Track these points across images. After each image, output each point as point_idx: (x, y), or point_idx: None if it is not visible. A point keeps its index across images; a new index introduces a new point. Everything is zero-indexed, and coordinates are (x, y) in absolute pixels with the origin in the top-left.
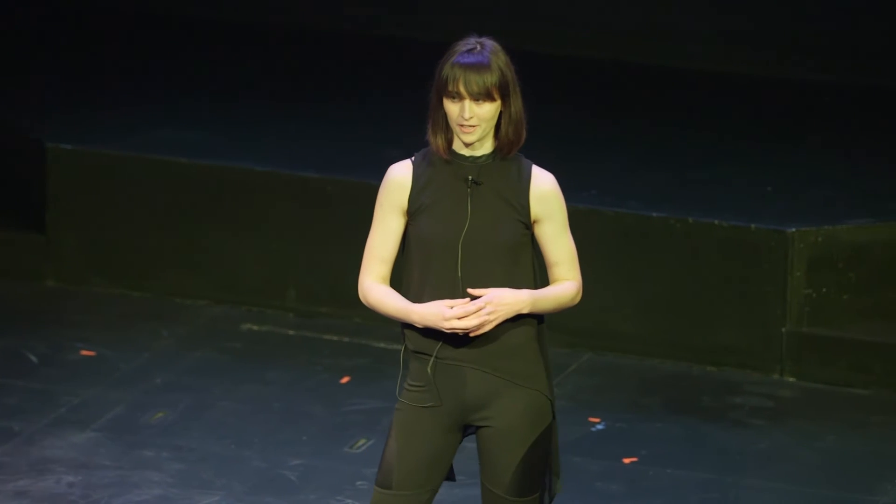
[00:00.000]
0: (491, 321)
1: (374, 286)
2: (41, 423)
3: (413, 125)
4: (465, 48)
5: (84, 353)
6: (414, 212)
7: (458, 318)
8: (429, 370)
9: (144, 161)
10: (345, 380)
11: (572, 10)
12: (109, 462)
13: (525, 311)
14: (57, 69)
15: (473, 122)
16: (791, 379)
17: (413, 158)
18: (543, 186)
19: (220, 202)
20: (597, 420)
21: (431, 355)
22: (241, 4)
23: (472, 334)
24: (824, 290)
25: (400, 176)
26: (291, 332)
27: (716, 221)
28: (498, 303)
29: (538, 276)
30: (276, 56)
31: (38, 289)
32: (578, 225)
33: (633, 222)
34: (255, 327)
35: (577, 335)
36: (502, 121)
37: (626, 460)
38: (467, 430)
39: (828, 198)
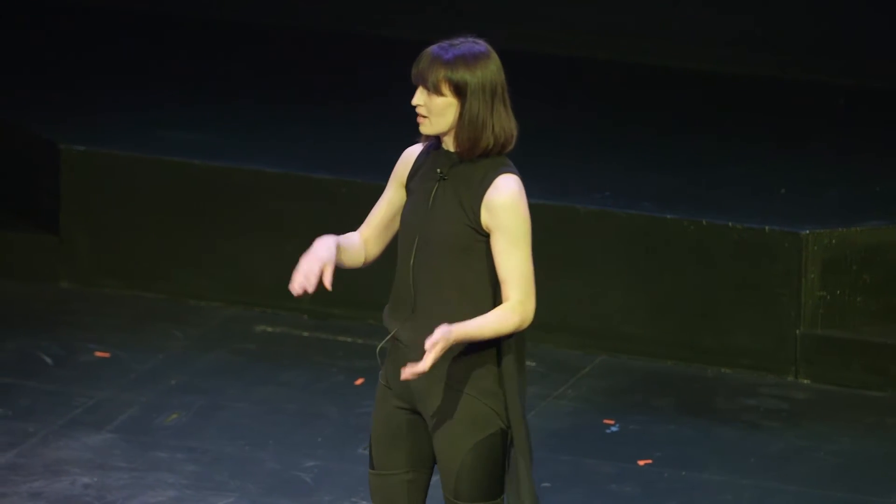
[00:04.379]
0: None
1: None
2: (56, 425)
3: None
4: (449, 41)
5: (98, 354)
6: (406, 192)
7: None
8: (378, 349)
9: (157, 162)
10: (359, 381)
11: (580, 10)
12: (124, 463)
13: (457, 341)
14: (69, 70)
15: (422, 112)
16: (805, 381)
17: (425, 143)
18: (496, 196)
19: (233, 203)
20: (611, 422)
21: (390, 333)
22: (251, 5)
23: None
24: (838, 291)
25: (408, 154)
26: (306, 334)
27: (729, 223)
28: (446, 340)
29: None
30: (288, 57)
31: (52, 290)
32: (591, 227)
33: (647, 224)
34: (270, 329)
35: (591, 337)
36: (457, 121)
37: (641, 462)
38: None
39: (842, 199)
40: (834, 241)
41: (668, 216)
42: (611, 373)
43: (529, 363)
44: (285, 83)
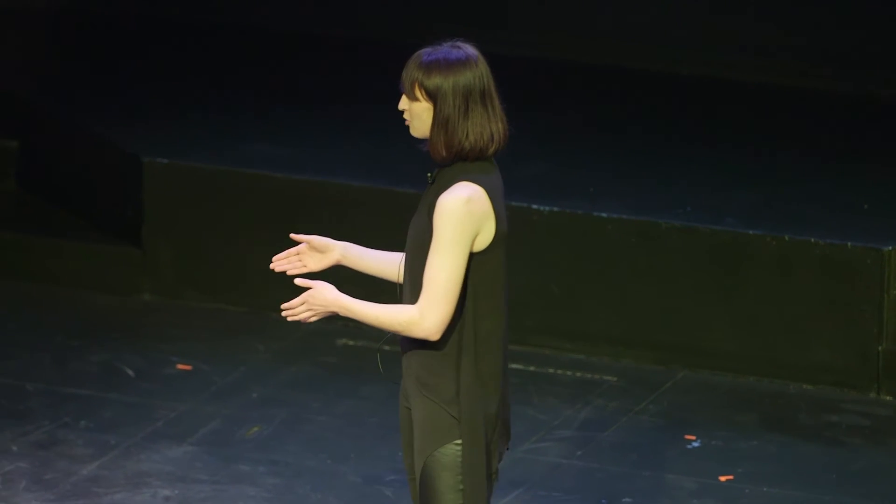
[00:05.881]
0: (309, 316)
1: None
2: (137, 437)
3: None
4: (433, 46)
5: (180, 366)
6: None
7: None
8: (377, 347)
9: (240, 175)
10: None
11: (665, 23)
12: (206, 476)
13: (335, 311)
14: (153, 83)
15: (406, 116)
16: (888, 398)
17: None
18: (440, 201)
19: (316, 216)
20: (692, 437)
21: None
22: (331, 18)
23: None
24: None
25: None
26: (387, 348)
27: (812, 239)
28: (313, 301)
29: (473, 296)
30: (370, 67)
31: (135, 303)
32: (674, 242)
33: (729, 240)
34: (351, 342)
35: (672, 352)
36: (432, 126)
37: (723, 478)
38: None
39: None
40: None
41: (751, 232)
42: (692, 388)
43: (610, 378)
44: (367, 94)
